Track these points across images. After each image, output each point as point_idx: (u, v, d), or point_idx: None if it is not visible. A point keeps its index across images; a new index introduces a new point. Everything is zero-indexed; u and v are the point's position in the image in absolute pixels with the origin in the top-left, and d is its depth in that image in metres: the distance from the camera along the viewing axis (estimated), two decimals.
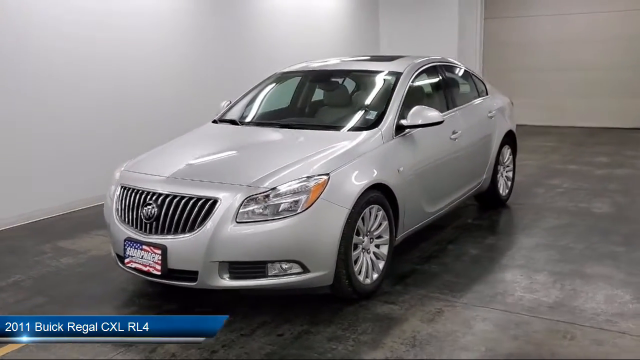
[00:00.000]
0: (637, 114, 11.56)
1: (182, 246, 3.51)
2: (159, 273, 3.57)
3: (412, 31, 11.63)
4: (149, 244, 3.59)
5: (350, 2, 11.51)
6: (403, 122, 4.38)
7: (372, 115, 4.52)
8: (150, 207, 3.64)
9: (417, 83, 4.99)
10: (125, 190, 3.90)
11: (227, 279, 3.52)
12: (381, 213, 3.98)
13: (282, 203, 3.51)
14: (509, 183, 6.31)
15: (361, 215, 3.78)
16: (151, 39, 7.21)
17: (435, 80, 5.39)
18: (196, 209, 3.52)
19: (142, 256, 3.63)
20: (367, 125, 4.38)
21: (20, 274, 4.61)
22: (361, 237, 3.85)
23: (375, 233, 3.98)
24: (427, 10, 11.61)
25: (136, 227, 3.72)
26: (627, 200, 6.42)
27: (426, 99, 5.19)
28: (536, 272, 4.36)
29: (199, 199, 3.55)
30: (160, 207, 3.62)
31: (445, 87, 5.40)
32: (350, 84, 5.35)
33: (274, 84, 5.43)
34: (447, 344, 3.33)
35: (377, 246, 4.03)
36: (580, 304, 3.81)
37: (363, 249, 3.89)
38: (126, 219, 3.81)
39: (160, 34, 7.34)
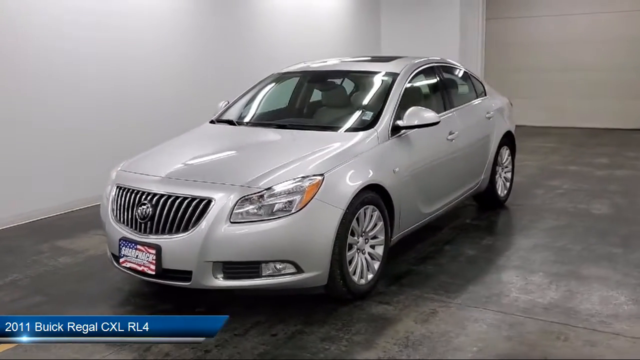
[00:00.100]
0: (639, 115, 11.54)
1: (176, 246, 3.52)
2: (154, 273, 3.59)
3: (414, 32, 11.62)
4: (143, 244, 3.60)
5: (351, 3, 11.50)
6: (399, 122, 4.38)
7: (369, 116, 4.52)
8: (145, 207, 3.66)
9: (414, 84, 5.00)
10: (121, 190, 3.91)
11: (221, 279, 3.53)
12: (376, 214, 3.99)
13: (276, 203, 3.52)
14: (508, 184, 6.31)
15: (356, 216, 3.78)
16: (151, 39, 7.23)
17: (433, 81, 5.39)
18: (190, 209, 3.53)
19: (137, 256, 3.64)
20: (363, 126, 4.39)
21: (17, 273, 4.63)
22: (356, 238, 3.86)
23: (370, 234, 3.98)
24: (428, 11, 11.60)
25: (131, 227, 3.74)
26: (627, 201, 6.41)
27: (423, 99, 5.19)
28: (532, 273, 4.36)
29: (193, 199, 3.56)
30: (154, 207, 3.63)
31: (442, 88, 5.40)
32: (348, 85, 5.36)
33: (272, 85, 5.43)
34: (440, 345, 3.33)
35: (373, 247, 4.03)
36: (575, 305, 3.80)
37: (358, 249, 3.90)
38: (121, 219, 3.83)
39: (160, 33, 7.36)
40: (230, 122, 4.97)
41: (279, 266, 3.54)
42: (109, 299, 4.14)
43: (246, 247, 3.48)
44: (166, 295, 4.08)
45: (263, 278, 3.54)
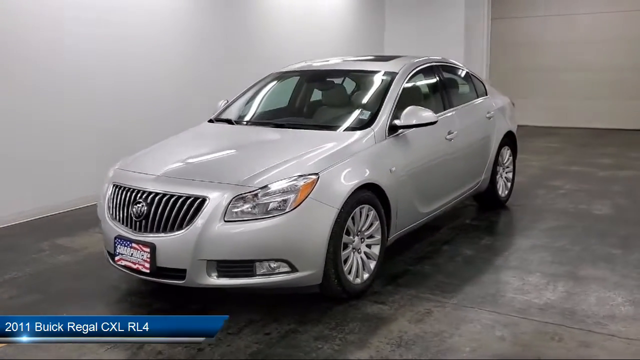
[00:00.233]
0: None
1: (171, 244, 3.52)
2: (148, 271, 3.59)
3: (418, 31, 11.60)
4: (138, 242, 3.61)
5: (356, 2, 11.49)
6: (396, 122, 4.37)
7: (366, 115, 4.51)
8: (140, 205, 3.67)
9: (413, 83, 4.99)
10: (117, 189, 3.93)
11: (215, 277, 3.53)
12: (372, 213, 3.98)
13: (270, 202, 3.52)
14: (509, 184, 6.28)
15: (351, 215, 3.78)
16: (151, 36, 7.24)
17: (432, 80, 5.37)
18: (185, 207, 3.54)
19: (132, 254, 3.65)
20: (360, 125, 4.37)
21: (16, 270, 4.65)
22: (351, 237, 3.85)
23: (366, 233, 3.98)
24: (433, 11, 11.57)
25: (126, 225, 3.75)
26: (629, 202, 6.38)
27: (422, 99, 5.17)
28: (529, 274, 4.34)
29: (188, 197, 3.56)
30: (149, 205, 3.64)
31: (442, 88, 5.38)
32: (350, 84, 5.35)
33: (271, 84, 5.43)
34: (433, 345, 3.32)
35: (369, 246, 4.02)
36: (572, 306, 3.78)
37: (353, 248, 3.89)
38: (117, 217, 3.84)
39: (160, 31, 7.37)
40: (228, 121, 4.97)
41: (273, 265, 3.54)
42: (105, 297, 4.16)
43: (240, 245, 3.48)
44: (162, 294, 4.09)
45: (257, 277, 3.54)
